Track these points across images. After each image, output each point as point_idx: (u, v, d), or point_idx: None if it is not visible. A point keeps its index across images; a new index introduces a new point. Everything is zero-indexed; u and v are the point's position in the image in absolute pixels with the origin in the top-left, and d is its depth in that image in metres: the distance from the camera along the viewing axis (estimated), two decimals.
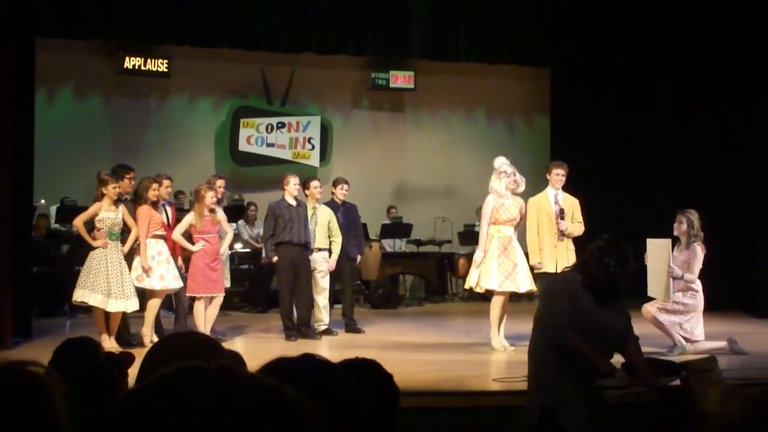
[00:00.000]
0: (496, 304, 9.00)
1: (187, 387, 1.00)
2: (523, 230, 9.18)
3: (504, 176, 9.02)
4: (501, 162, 9.15)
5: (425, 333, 10.40)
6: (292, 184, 10.04)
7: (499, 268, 8.91)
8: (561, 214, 9.01)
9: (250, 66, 14.72)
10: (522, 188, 9.13)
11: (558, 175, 9.15)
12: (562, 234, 8.96)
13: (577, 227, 9.07)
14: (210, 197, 9.39)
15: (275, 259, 9.91)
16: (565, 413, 4.73)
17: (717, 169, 12.70)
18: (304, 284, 9.91)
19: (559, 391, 4.90)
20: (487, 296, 9.58)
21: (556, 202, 9.11)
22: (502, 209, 9.00)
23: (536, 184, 9.67)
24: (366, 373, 2.14)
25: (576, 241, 8.97)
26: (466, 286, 9.53)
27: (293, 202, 10.00)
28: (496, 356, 8.73)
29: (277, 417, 0.99)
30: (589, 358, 4.87)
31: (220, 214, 9.65)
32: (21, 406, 1.29)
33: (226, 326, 10.56)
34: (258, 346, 9.37)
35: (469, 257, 11.17)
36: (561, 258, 8.75)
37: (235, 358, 2.31)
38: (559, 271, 8.24)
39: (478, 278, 8.97)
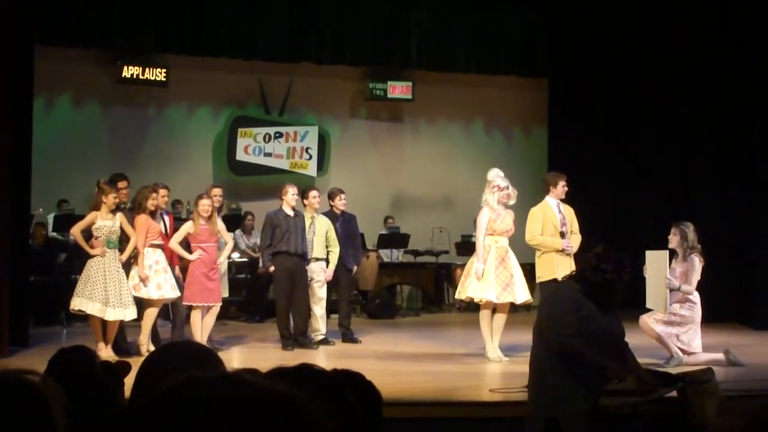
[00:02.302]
0: (485, 317, 8.99)
1: (197, 397, 0.98)
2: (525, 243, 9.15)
3: (497, 190, 8.99)
4: (494, 175, 9.09)
5: (422, 343, 10.39)
6: (290, 194, 10.05)
7: (496, 279, 8.88)
8: (562, 235, 8.98)
9: (248, 75, 14.73)
10: (513, 201, 9.09)
11: (565, 187, 9.11)
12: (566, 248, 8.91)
13: (577, 239, 9.04)
14: (203, 205, 9.38)
15: (272, 269, 9.92)
16: (567, 424, 4.72)
17: (715, 180, 12.71)
18: (300, 294, 9.90)
19: (561, 403, 4.89)
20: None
21: (560, 212, 9.10)
22: (499, 220, 8.99)
23: (534, 195, 9.66)
24: (353, 381, 2.14)
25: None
26: (461, 297, 9.45)
27: (291, 213, 10.00)
28: (492, 367, 8.73)
29: (289, 425, 0.98)
30: (597, 363, 4.87)
31: (219, 224, 9.64)
32: (18, 415, 1.29)
33: (223, 336, 10.55)
34: (255, 356, 9.37)
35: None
36: (565, 268, 8.67)
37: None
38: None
39: (478, 290, 8.94)
